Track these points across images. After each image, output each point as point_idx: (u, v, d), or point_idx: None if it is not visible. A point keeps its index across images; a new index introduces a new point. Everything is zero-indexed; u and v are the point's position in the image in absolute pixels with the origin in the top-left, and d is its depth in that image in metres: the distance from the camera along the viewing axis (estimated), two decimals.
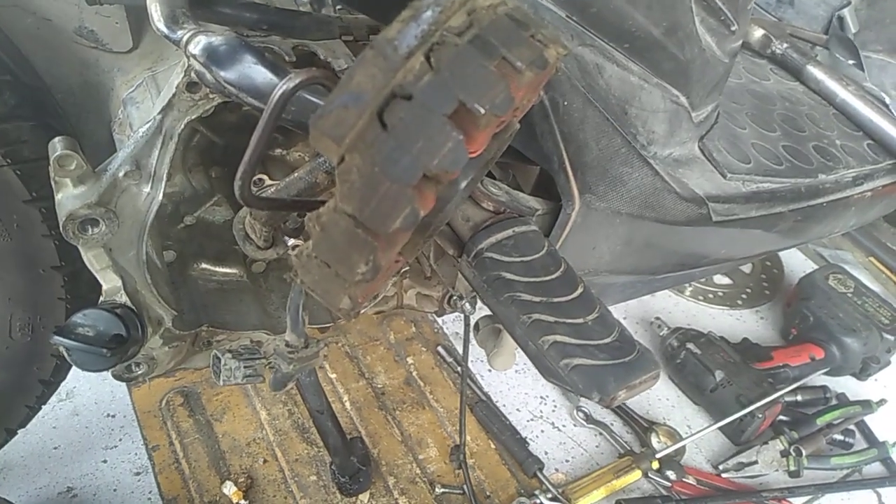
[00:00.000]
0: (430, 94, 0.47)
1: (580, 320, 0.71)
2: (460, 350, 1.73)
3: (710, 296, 2.00)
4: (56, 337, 0.82)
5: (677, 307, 1.96)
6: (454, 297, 1.14)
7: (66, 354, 0.84)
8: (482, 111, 0.48)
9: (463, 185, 0.61)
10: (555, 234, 0.90)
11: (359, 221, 0.49)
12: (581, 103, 0.79)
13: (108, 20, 1.06)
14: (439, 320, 1.83)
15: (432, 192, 0.51)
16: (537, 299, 0.73)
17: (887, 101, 1.48)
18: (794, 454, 1.55)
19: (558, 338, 0.70)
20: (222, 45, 0.74)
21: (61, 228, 0.85)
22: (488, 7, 0.50)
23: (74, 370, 1.21)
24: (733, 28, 1.00)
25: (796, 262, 2.17)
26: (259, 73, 0.72)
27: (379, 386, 1.65)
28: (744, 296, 2.02)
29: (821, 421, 1.64)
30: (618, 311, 1.85)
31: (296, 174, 0.74)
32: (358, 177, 0.48)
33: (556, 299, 0.73)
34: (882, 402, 1.72)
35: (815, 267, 2.10)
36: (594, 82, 0.80)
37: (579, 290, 0.75)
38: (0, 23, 1.02)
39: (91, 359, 0.83)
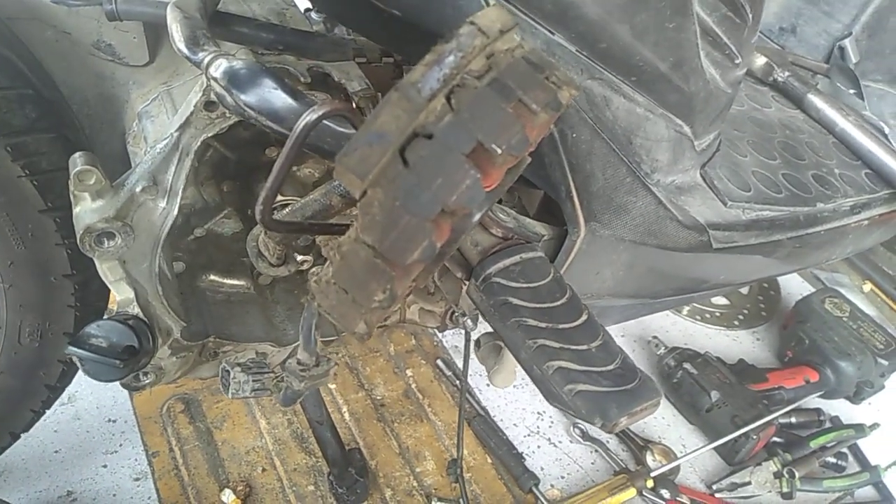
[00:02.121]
0: (451, 134, 0.49)
1: (584, 347, 0.74)
2: (459, 364, 1.76)
3: (708, 316, 2.02)
4: (70, 347, 0.84)
5: (675, 326, 1.99)
6: (456, 314, 1.15)
7: (79, 365, 0.86)
8: (499, 151, 0.50)
9: (476, 217, 0.63)
10: (560, 260, 0.92)
11: (378, 252, 0.51)
12: (589, 135, 0.82)
13: (126, 35, 1.08)
14: (439, 333, 1.85)
15: (448, 224, 0.53)
16: (543, 325, 0.75)
17: (886, 130, 1.50)
18: (787, 476, 1.57)
19: (563, 363, 0.72)
20: (243, 69, 0.76)
21: (78, 241, 0.87)
22: (506, 51, 0.53)
23: (77, 375, 1.23)
24: (737, 61, 1.02)
25: (793, 285, 2.20)
26: (278, 98, 0.75)
27: (378, 398, 1.66)
28: (741, 317, 2.04)
29: (814, 443, 1.66)
30: (615, 329, 1.89)
31: (311, 196, 0.77)
32: (379, 210, 0.50)
33: (561, 325, 0.75)
34: (875, 426, 1.74)
35: (812, 290, 2.12)
36: (602, 114, 0.83)
37: (584, 317, 0.77)
38: (22, 36, 1.04)
39: (104, 369, 0.84)
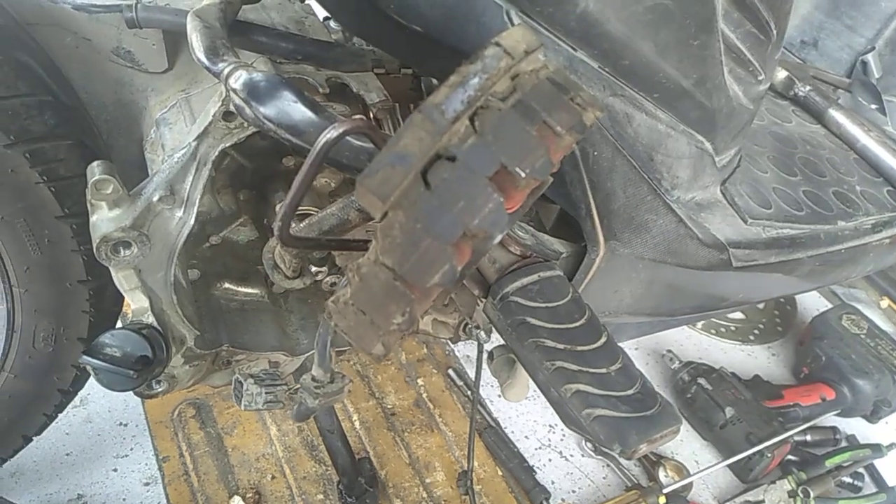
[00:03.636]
0: (474, 156, 0.49)
1: (603, 370, 0.72)
2: (471, 373, 1.74)
3: (723, 330, 2.00)
4: (85, 357, 0.83)
5: (689, 340, 1.97)
6: (470, 326, 1.14)
7: (93, 374, 0.86)
8: (523, 175, 0.49)
9: (497, 238, 0.62)
10: (578, 279, 0.91)
11: (398, 275, 0.50)
12: (610, 153, 0.81)
13: (145, 42, 1.08)
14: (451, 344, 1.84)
15: (469, 247, 0.52)
16: (561, 346, 0.74)
17: None
18: (801, 495, 1.55)
19: (581, 387, 0.71)
20: (262, 81, 0.76)
21: (94, 250, 0.86)
22: (531, 72, 0.52)
23: (90, 378, 1.24)
24: (760, 77, 1.01)
25: (810, 300, 2.17)
26: (298, 111, 0.74)
27: (388, 406, 1.66)
28: (756, 331, 2.02)
29: (830, 462, 1.63)
30: (630, 343, 1.87)
31: (328, 210, 0.76)
32: (400, 232, 0.49)
33: (579, 347, 0.74)
34: (892, 445, 1.71)
35: (829, 305, 2.09)
36: (623, 131, 0.82)
37: (603, 339, 0.76)
38: (42, 42, 1.04)
39: (118, 379, 0.84)
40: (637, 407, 0.69)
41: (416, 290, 0.51)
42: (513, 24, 0.69)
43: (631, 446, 0.67)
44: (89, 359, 0.83)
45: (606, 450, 0.69)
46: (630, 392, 0.71)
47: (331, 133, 0.58)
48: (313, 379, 0.78)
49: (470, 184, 0.49)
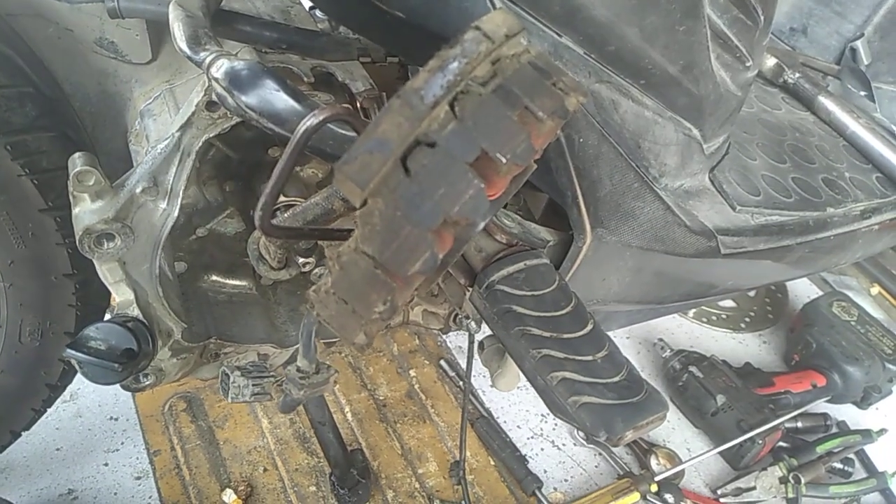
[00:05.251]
0: (454, 142, 0.48)
1: (589, 358, 0.72)
2: (463, 364, 1.74)
3: (714, 318, 2.00)
4: (69, 350, 0.83)
5: (680, 329, 1.97)
6: (460, 316, 1.14)
7: (77, 368, 0.85)
8: (504, 160, 0.49)
9: (480, 226, 0.62)
10: (565, 267, 0.91)
11: (378, 263, 0.50)
12: (596, 140, 0.80)
13: (128, 32, 1.07)
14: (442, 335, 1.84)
15: (451, 234, 0.51)
16: (547, 334, 0.74)
17: None
18: (792, 481, 1.55)
19: (567, 374, 0.70)
20: (244, 69, 0.75)
21: (77, 242, 0.86)
22: (512, 56, 0.51)
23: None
24: (748, 63, 1.01)
25: (800, 288, 2.18)
26: (280, 100, 0.73)
27: (381, 398, 1.65)
28: (747, 319, 2.02)
29: (821, 449, 1.64)
30: (621, 331, 1.87)
31: (312, 200, 0.75)
32: (380, 220, 0.48)
33: (565, 335, 0.74)
34: (882, 431, 1.72)
35: (820, 293, 2.10)
36: (609, 118, 0.81)
37: (589, 327, 0.75)
38: (23, 33, 1.03)
39: (102, 373, 0.84)
40: (623, 394, 0.69)
41: (397, 278, 0.50)
42: (495, 9, 0.69)
43: (617, 433, 0.67)
44: (73, 352, 0.82)
45: (592, 436, 0.68)
46: (616, 379, 0.70)
47: (311, 120, 0.57)
48: (298, 370, 0.77)
49: (450, 170, 0.48)
